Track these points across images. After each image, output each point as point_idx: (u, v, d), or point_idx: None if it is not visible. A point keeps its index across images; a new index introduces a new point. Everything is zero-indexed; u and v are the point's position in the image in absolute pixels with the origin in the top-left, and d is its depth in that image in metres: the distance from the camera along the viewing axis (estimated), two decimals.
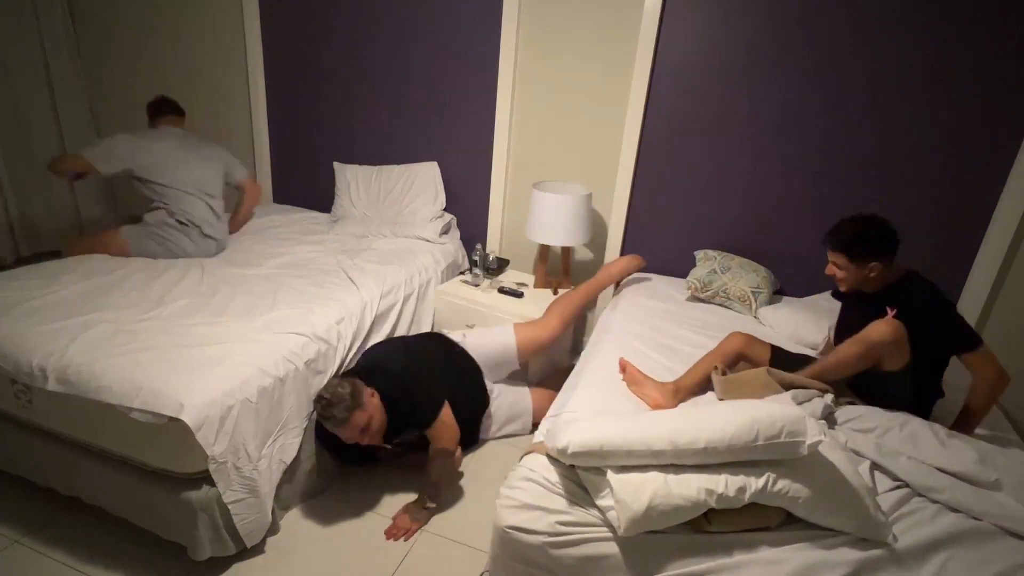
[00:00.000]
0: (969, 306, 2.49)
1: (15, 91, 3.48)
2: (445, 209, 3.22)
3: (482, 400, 2.36)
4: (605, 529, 1.40)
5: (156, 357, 1.79)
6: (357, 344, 2.31)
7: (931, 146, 2.44)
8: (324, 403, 1.84)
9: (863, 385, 1.89)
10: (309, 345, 2.06)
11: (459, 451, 2.13)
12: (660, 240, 2.96)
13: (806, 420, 1.38)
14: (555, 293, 2.87)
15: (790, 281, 2.77)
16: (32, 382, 1.76)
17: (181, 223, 2.63)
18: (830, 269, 1.93)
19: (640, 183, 2.90)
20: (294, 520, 2.04)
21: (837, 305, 2.19)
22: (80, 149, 2.60)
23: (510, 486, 1.49)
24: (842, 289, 1.96)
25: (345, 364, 2.24)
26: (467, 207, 3.26)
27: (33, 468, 1.97)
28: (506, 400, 2.44)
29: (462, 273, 3.01)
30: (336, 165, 3.31)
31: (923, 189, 2.50)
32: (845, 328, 2.00)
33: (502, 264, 3.11)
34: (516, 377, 2.56)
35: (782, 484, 1.36)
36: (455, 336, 2.40)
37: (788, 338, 2.33)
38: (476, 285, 2.87)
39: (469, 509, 2.13)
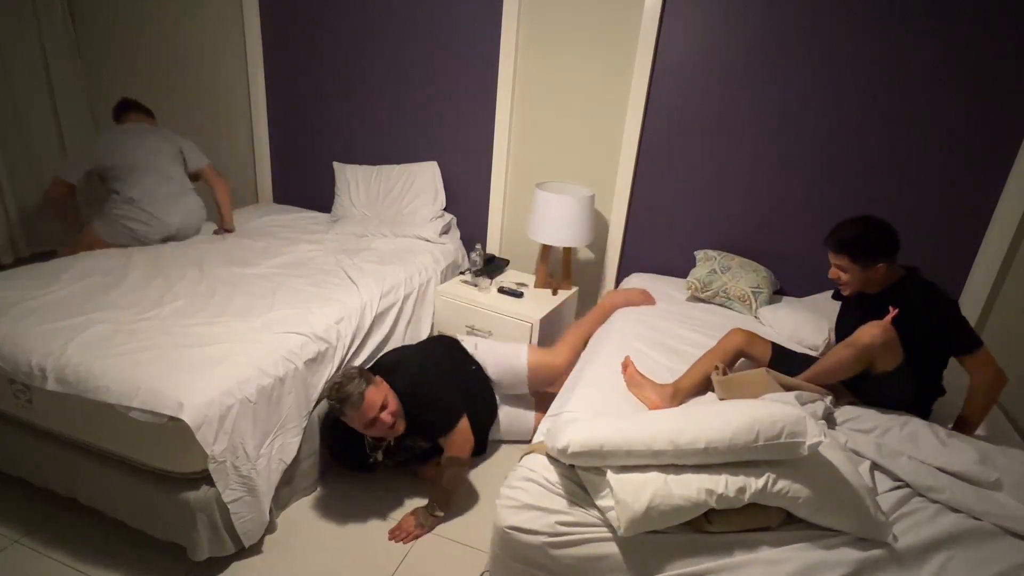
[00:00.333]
0: (969, 306, 2.49)
1: (15, 91, 3.48)
2: (445, 209, 3.22)
3: (492, 410, 2.36)
4: (605, 529, 1.40)
5: (155, 357, 1.78)
6: (356, 344, 2.31)
7: (931, 146, 2.44)
8: (337, 385, 1.86)
9: (859, 386, 1.89)
10: (309, 345, 2.06)
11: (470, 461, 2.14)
12: (660, 240, 2.96)
13: (806, 420, 1.38)
14: (554, 294, 2.87)
15: (790, 281, 2.77)
16: (31, 382, 1.76)
17: (127, 201, 2.69)
18: (833, 272, 1.91)
19: (640, 183, 2.90)
20: (293, 519, 2.03)
21: (837, 305, 2.19)
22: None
23: (510, 486, 1.48)
24: (845, 292, 1.95)
25: (345, 364, 2.24)
26: (467, 207, 3.26)
27: (32, 468, 1.96)
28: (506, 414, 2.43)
29: (462, 273, 3.01)
30: (336, 165, 3.31)
31: (923, 189, 2.50)
32: (846, 329, 1.99)
33: (500, 264, 3.11)
34: (520, 402, 2.49)
35: (782, 484, 1.36)
36: (467, 344, 2.40)
37: (788, 338, 2.33)
38: (476, 285, 2.87)
39: (469, 509, 2.13)
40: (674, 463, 1.38)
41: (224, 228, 3.00)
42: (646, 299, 2.62)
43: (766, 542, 1.37)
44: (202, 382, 1.71)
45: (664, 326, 2.39)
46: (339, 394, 1.85)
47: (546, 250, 2.88)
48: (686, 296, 2.69)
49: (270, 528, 1.94)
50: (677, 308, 2.58)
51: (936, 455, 1.61)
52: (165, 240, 2.80)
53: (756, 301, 2.57)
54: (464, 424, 2.05)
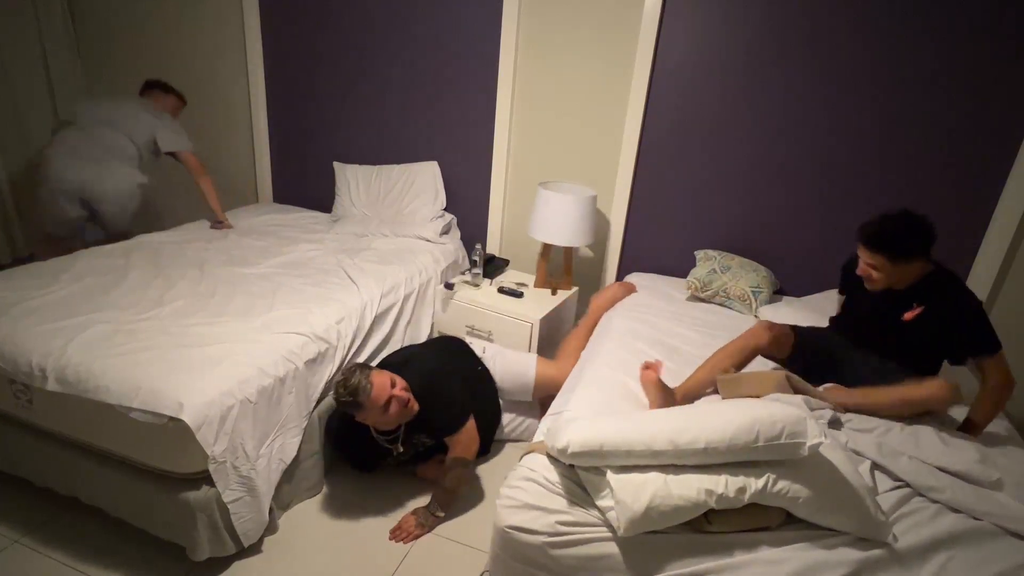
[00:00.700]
0: None
1: (15, 91, 3.48)
2: (445, 209, 3.22)
3: (496, 412, 2.37)
4: (605, 529, 1.40)
5: (155, 357, 1.78)
6: (357, 344, 2.31)
7: (931, 146, 2.44)
8: (342, 382, 1.86)
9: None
10: (309, 345, 2.06)
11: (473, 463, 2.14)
12: (660, 240, 2.96)
13: (807, 421, 1.38)
14: (554, 294, 2.86)
15: (790, 281, 2.77)
16: (31, 382, 1.76)
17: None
18: (864, 269, 1.79)
19: (640, 183, 2.90)
20: (294, 520, 2.03)
21: (837, 304, 2.19)
22: None
23: (510, 486, 1.48)
24: (872, 289, 1.83)
25: (345, 364, 2.24)
26: (467, 207, 3.26)
27: (32, 468, 1.96)
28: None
29: (462, 273, 3.01)
30: (336, 165, 3.31)
31: (923, 189, 2.50)
32: (866, 322, 1.92)
33: (500, 264, 3.11)
34: (522, 409, 2.51)
35: (782, 484, 1.36)
36: (476, 347, 2.42)
37: None
38: (476, 285, 2.87)
39: (469, 509, 2.13)
40: (674, 463, 1.38)
41: (219, 221, 2.99)
42: (628, 290, 2.66)
43: (766, 542, 1.37)
44: (202, 382, 1.71)
45: (664, 326, 2.39)
46: (348, 388, 1.85)
47: (547, 250, 2.88)
48: (686, 296, 2.69)
49: (271, 528, 1.94)
50: (677, 308, 2.58)
51: (938, 455, 1.61)
52: (73, 201, 2.83)
53: (756, 301, 2.57)
54: (471, 424, 2.06)
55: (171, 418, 1.61)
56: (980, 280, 2.46)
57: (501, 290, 2.84)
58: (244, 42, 3.34)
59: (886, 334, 1.88)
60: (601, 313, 2.61)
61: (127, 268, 2.38)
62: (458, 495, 2.09)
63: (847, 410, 1.79)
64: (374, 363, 2.18)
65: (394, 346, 2.53)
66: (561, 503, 1.44)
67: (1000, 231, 2.39)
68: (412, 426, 2.03)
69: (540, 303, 2.77)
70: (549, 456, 1.52)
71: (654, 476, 1.36)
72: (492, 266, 3.01)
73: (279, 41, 3.30)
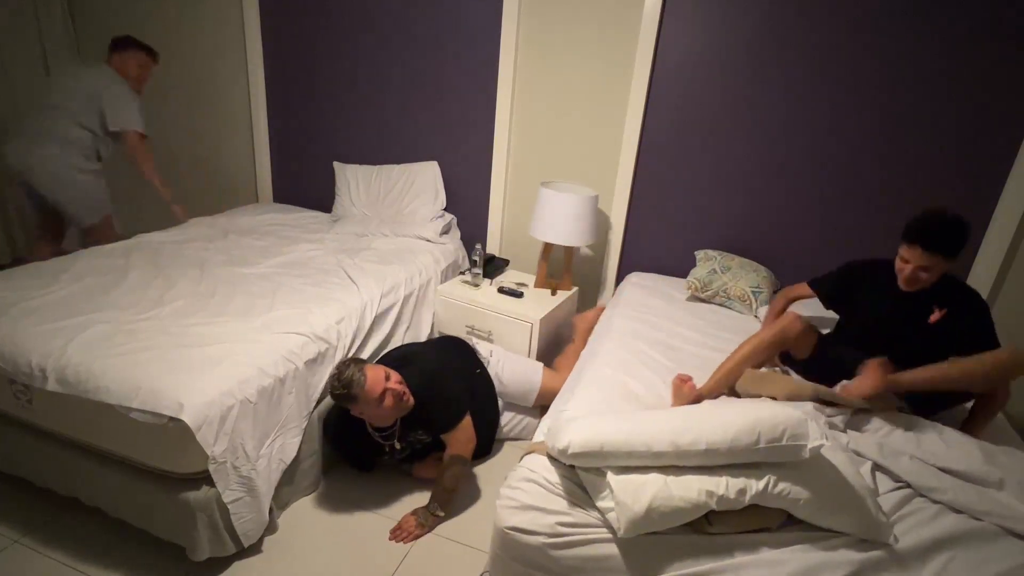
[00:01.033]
0: None
1: (15, 91, 3.48)
2: (445, 209, 3.22)
3: (495, 413, 2.37)
4: (605, 530, 1.40)
5: (155, 357, 1.78)
6: (357, 344, 2.31)
7: (931, 146, 2.44)
8: (335, 375, 1.88)
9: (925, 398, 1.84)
10: (309, 345, 2.06)
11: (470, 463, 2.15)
12: (660, 240, 2.96)
13: (808, 423, 1.38)
14: (553, 294, 2.86)
15: (790, 281, 2.74)
16: (31, 382, 1.76)
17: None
18: (912, 272, 1.76)
19: (640, 183, 2.90)
20: (294, 520, 2.03)
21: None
22: None
23: (510, 487, 1.48)
24: (909, 289, 1.80)
25: None
26: (467, 207, 3.25)
27: (32, 468, 1.96)
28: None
29: (462, 273, 3.01)
30: (336, 165, 3.31)
31: (923, 189, 2.50)
32: (877, 328, 1.91)
33: (500, 264, 3.11)
34: (522, 408, 2.52)
35: (783, 486, 1.35)
36: (483, 349, 2.44)
37: None
38: (476, 285, 2.87)
39: (469, 509, 2.13)
40: (675, 464, 1.38)
41: (174, 213, 2.92)
42: (599, 311, 2.73)
43: (766, 543, 1.37)
44: (202, 382, 1.71)
45: (664, 325, 2.39)
46: (341, 381, 1.86)
47: (547, 249, 2.88)
48: (686, 296, 2.69)
49: (271, 528, 1.94)
50: (677, 308, 2.58)
51: (940, 455, 1.60)
52: (27, 190, 2.78)
53: (756, 301, 2.57)
54: (467, 422, 2.07)
55: (171, 418, 1.61)
56: (980, 280, 2.46)
57: (501, 290, 2.83)
58: (244, 42, 3.34)
59: (911, 339, 1.85)
60: (588, 334, 2.60)
61: (127, 268, 2.38)
62: (457, 494, 2.09)
63: (900, 391, 1.76)
64: (374, 362, 2.19)
65: (394, 346, 2.53)
66: (561, 504, 1.43)
67: (1000, 231, 2.39)
68: (409, 423, 2.04)
69: (540, 303, 2.77)
70: (549, 456, 1.51)
71: (654, 477, 1.36)
72: (492, 266, 3.01)
73: (279, 41, 3.30)
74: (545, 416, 1.86)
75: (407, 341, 2.63)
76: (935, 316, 1.79)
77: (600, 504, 1.40)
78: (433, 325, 2.87)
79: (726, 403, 1.79)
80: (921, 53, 2.35)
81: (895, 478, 1.57)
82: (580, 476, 1.46)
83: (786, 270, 2.76)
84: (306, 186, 3.55)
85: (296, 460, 2.01)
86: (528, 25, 2.82)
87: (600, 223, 2.95)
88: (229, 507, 1.75)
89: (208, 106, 3.58)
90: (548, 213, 2.71)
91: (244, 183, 3.69)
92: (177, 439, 1.66)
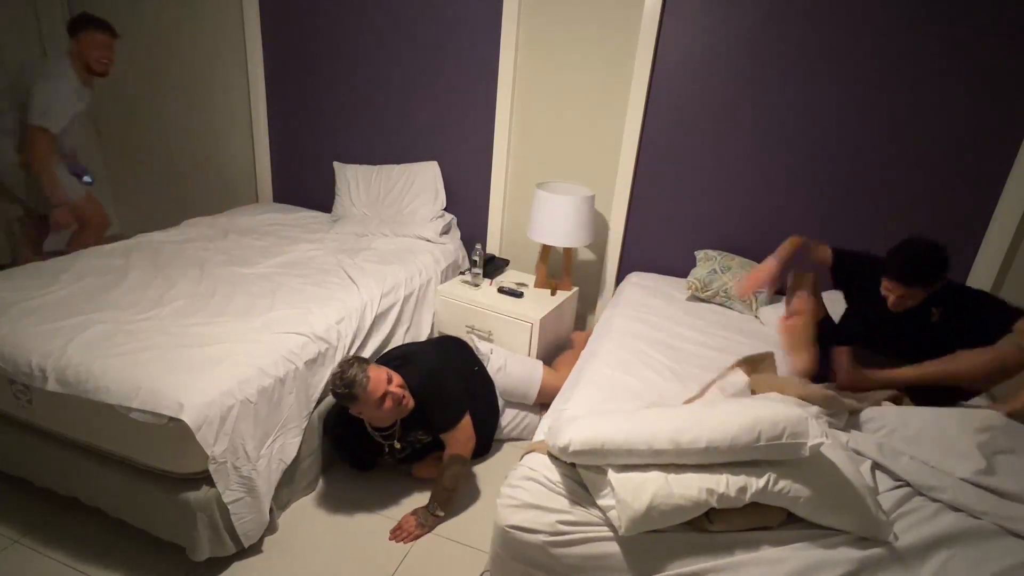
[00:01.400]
0: None
1: (15, 91, 3.47)
2: (445, 209, 3.22)
3: (495, 413, 2.38)
4: (606, 529, 1.40)
5: (155, 357, 1.78)
6: (357, 344, 2.31)
7: (932, 146, 2.44)
8: (338, 374, 1.88)
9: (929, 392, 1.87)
10: (309, 345, 2.06)
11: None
12: (660, 240, 2.96)
13: (808, 421, 1.38)
14: (553, 294, 2.86)
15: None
16: (31, 382, 1.76)
17: None
18: (896, 302, 1.83)
19: (640, 182, 2.90)
20: (294, 520, 2.03)
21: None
22: None
23: (511, 485, 1.48)
24: (896, 310, 1.87)
25: None
26: (467, 207, 3.26)
27: (32, 468, 1.96)
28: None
29: (462, 273, 3.01)
30: (336, 165, 3.31)
31: (924, 188, 2.50)
32: (881, 327, 1.96)
33: (500, 264, 3.11)
34: (522, 407, 2.53)
35: (783, 484, 1.36)
36: (484, 348, 2.45)
37: None
38: (476, 285, 2.87)
39: (469, 509, 2.13)
40: (675, 462, 1.38)
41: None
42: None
43: (767, 541, 1.37)
44: (202, 382, 1.71)
45: (664, 325, 2.39)
46: (344, 380, 1.86)
47: (546, 250, 2.88)
48: (686, 296, 2.69)
49: (270, 528, 1.94)
50: (677, 308, 2.58)
51: (939, 457, 1.60)
52: None
53: (756, 301, 2.57)
54: (467, 421, 2.07)
55: (171, 418, 1.61)
56: (980, 280, 2.46)
57: (501, 290, 2.83)
58: (244, 42, 3.34)
59: (921, 340, 1.88)
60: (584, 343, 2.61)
61: (127, 268, 2.38)
62: (457, 494, 2.09)
63: (920, 382, 1.80)
64: (374, 362, 2.19)
65: (394, 346, 2.53)
66: (562, 502, 1.43)
67: (1000, 231, 2.39)
68: (409, 423, 2.04)
69: (540, 303, 2.77)
70: (550, 455, 1.51)
71: (655, 475, 1.36)
72: (492, 266, 3.01)
73: (279, 41, 3.30)
74: (545, 415, 1.86)
75: (407, 341, 2.63)
76: (935, 317, 1.84)
77: (601, 502, 1.40)
78: (433, 325, 2.87)
79: (726, 401, 1.79)
80: (922, 53, 2.35)
81: (895, 477, 1.57)
82: (581, 474, 1.46)
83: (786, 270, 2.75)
84: (306, 186, 3.55)
85: (296, 460, 2.01)
86: (528, 25, 2.82)
87: (598, 223, 2.95)
88: (229, 507, 1.75)
89: (208, 106, 3.58)
90: (545, 215, 2.71)
91: (244, 183, 3.69)
92: (177, 439, 1.66)
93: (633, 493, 1.32)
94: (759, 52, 2.54)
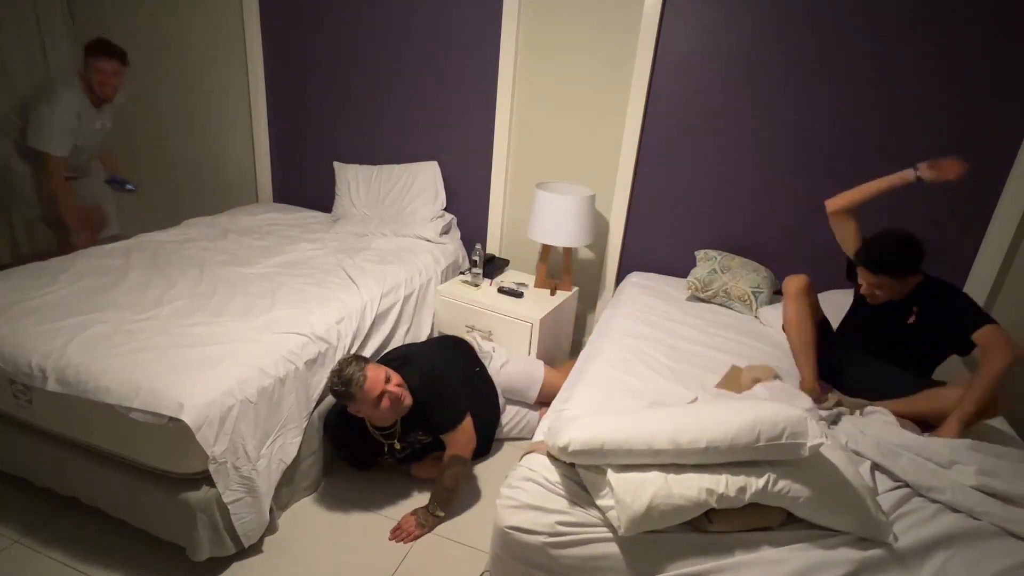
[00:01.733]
0: None
1: (15, 91, 3.47)
2: (445, 209, 3.22)
3: (495, 413, 2.38)
4: (605, 529, 1.40)
5: (155, 357, 1.78)
6: (357, 344, 2.31)
7: (932, 146, 2.44)
8: (336, 372, 1.89)
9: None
10: (309, 345, 2.06)
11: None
12: (660, 240, 2.96)
13: (807, 422, 1.38)
14: (553, 294, 2.86)
15: None
16: (31, 382, 1.76)
17: None
18: (867, 289, 1.91)
19: (640, 182, 2.90)
20: (294, 520, 2.03)
21: (838, 303, 2.19)
22: None
23: (510, 486, 1.48)
24: (873, 303, 1.95)
25: None
26: (467, 207, 3.26)
27: (32, 468, 1.96)
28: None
29: (462, 273, 3.01)
30: (336, 165, 3.31)
31: (924, 189, 2.49)
32: (865, 328, 2.04)
33: (500, 264, 3.11)
34: (522, 407, 2.53)
35: (783, 484, 1.36)
36: (485, 347, 2.45)
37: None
38: (476, 285, 2.87)
39: (469, 509, 2.13)
40: (675, 462, 1.38)
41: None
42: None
43: (766, 542, 1.37)
44: (202, 382, 1.71)
45: (665, 325, 2.39)
46: (341, 378, 1.87)
47: (546, 250, 2.88)
48: (686, 296, 2.69)
49: (271, 528, 1.94)
50: (677, 308, 2.58)
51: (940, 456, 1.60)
52: None
53: (756, 301, 2.57)
54: (468, 423, 2.07)
55: (171, 418, 1.61)
56: (980, 280, 2.46)
57: (501, 290, 2.84)
58: (244, 42, 3.34)
59: (894, 339, 1.97)
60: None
61: (127, 268, 2.38)
62: (457, 494, 2.09)
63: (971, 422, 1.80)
64: (375, 362, 2.19)
65: (395, 346, 2.53)
66: (561, 503, 1.43)
67: (1000, 231, 2.39)
68: (409, 423, 2.04)
69: (540, 303, 2.77)
70: (549, 456, 1.51)
71: (655, 475, 1.36)
72: (492, 266, 3.01)
73: (279, 41, 3.30)
74: (545, 415, 1.86)
75: (407, 341, 2.64)
76: (912, 318, 1.89)
77: (600, 502, 1.40)
78: (433, 325, 2.87)
79: (726, 401, 1.79)
80: (922, 53, 2.35)
81: (894, 477, 1.57)
82: (580, 474, 1.46)
83: (786, 270, 2.75)
84: (306, 186, 3.55)
85: (296, 460, 2.01)
86: (528, 25, 2.82)
87: (597, 223, 2.95)
88: (229, 507, 1.75)
89: (208, 106, 3.58)
90: (545, 215, 2.71)
91: (244, 183, 3.69)
92: (177, 439, 1.66)
93: (633, 493, 1.32)
94: (759, 52, 2.54)
